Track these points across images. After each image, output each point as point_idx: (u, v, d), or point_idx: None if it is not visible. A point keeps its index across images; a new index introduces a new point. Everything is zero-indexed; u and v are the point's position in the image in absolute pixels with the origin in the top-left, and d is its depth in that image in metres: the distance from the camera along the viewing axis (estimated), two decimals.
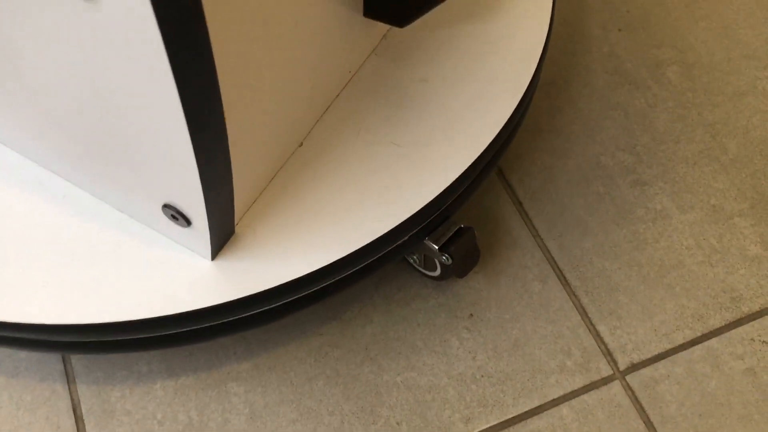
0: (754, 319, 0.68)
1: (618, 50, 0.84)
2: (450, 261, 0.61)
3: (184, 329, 0.55)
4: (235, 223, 0.55)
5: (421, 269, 0.68)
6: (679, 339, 0.67)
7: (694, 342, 0.67)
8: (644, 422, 0.63)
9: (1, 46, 0.43)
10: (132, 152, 0.46)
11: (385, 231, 0.56)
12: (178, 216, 0.49)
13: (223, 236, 0.53)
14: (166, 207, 0.49)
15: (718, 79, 0.82)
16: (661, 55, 0.84)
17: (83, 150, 0.51)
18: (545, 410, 0.64)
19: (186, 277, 0.53)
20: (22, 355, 0.64)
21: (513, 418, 0.63)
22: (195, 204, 0.47)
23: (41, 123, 0.51)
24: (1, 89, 0.48)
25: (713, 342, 0.67)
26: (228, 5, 0.40)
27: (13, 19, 0.40)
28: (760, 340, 0.67)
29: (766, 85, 0.82)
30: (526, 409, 0.64)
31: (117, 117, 0.44)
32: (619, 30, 0.85)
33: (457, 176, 0.58)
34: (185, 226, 0.50)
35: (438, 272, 0.66)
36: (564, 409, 0.64)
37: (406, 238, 0.59)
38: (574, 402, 0.64)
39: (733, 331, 0.68)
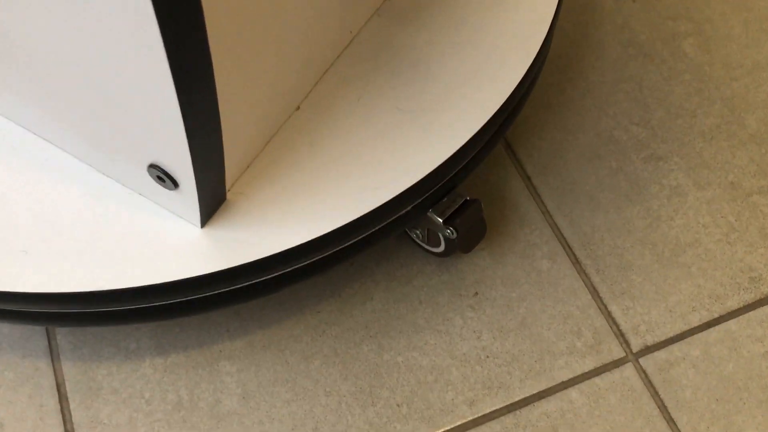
0: None
1: (632, 22, 0.80)
2: (455, 235, 0.58)
3: (172, 300, 0.51)
4: (227, 188, 0.52)
5: (424, 245, 0.64)
6: (695, 320, 0.64)
7: (710, 324, 0.64)
8: (658, 407, 0.60)
9: None
10: (116, 107, 0.43)
11: (386, 200, 0.53)
12: (164, 177, 0.46)
13: (213, 201, 0.50)
14: (152, 167, 0.46)
15: (736, 52, 0.79)
16: (677, 28, 0.80)
17: (66, 106, 0.47)
18: (554, 393, 0.61)
19: (174, 244, 0.50)
20: (5, 330, 0.61)
21: (519, 401, 0.60)
22: (182, 163, 0.44)
23: (23, 82, 0.48)
24: None
25: (731, 324, 0.64)
26: None
27: None
28: None
29: None
30: (534, 391, 0.61)
31: (100, 69, 0.41)
32: (633, 1, 0.82)
33: (463, 143, 0.55)
34: (172, 189, 0.47)
35: (442, 248, 0.63)
36: (573, 392, 0.61)
37: (408, 208, 0.55)
38: (584, 385, 0.61)
39: (752, 312, 0.64)
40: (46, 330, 0.61)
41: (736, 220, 0.69)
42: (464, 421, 0.59)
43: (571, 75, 0.77)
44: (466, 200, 0.59)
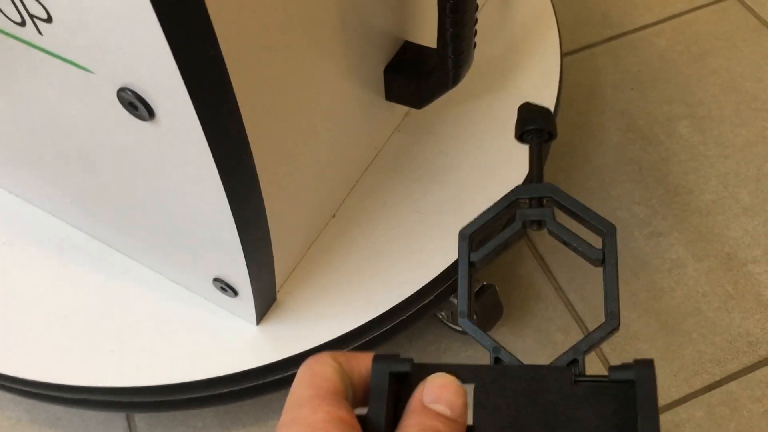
0: None
1: (630, 108, 0.89)
2: (474, 317, 0.67)
3: (234, 388, 0.61)
4: (277, 290, 0.61)
5: (449, 324, 0.73)
6: (698, 383, 0.71)
7: (712, 386, 0.70)
8: None
9: (71, 150, 0.51)
10: (186, 237, 0.53)
11: (412, 293, 0.62)
12: (226, 288, 0.56)
13: (266, 303, 0.60)
14: (216, 280, 0.56)
15: (728, 131, 0.87)
16: (672, 111, 0.89)
17: (145, 236, 0.58)
18: None
19: (234, 341, 0.60)
20: (91, 414, 0.71)
21: None
22: (241, 278, 0.54)
23: (112, 215, 0.59)
24: (77, 184, 0.56)
25: (732, 385, 0.70)
26: (266, 111, 0.47)
27: (84, 132, 0.47)
28: None
29: None
30: None
31: (174, 212, 0.51)
32: (631, 89, 0.91)
33: None
34: (233, 297, 0.57)
35: None
36: None
37: (431, 297, 0.64)
38: None
39: (751, 374, 0.71)
40: (126, 414, 0.71)
41: (733, 289, 0.76)
42: None
43: (576, 160, 0.85)
44: (482, 285, 0.67)
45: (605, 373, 0.29)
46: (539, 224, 0.38)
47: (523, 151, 0.70)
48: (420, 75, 0.59)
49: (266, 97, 0.46)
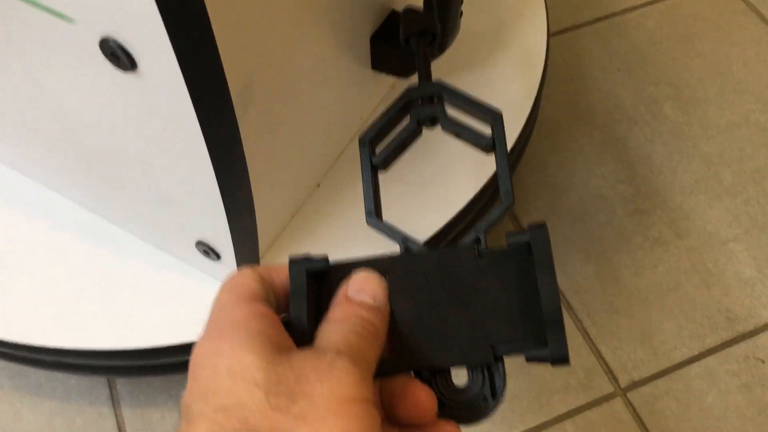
0: (748, 338, 0.72)
1: (617, 89, 0.90)
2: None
3: None
4: (260, 257, 0.61)
5: None
6: (678, 358, 0.72)
7: (691, 360, 0.71)
8: None
9: (53, 108, 0.51)
10: (169, 199, 0.54)
11: None
12: (209, 251, 0.56)
13: None
14: (199, 244, 0.56)
15: (713, 113, 0.87)
16: (658, 92, 0.89)
17: (129, 198, 0.58)
18: (550, 426, 0.68)
19: None
20: (73, 381, 0.71)
21: None
22: (224, 240, 0.54)
23: (94, 176, 0.59)
24: (60, 145, 0.56)
25: (710, 360, 0.71)
26: (252, 71, 0.47)
27: (64, 85, 0.47)
28: (754, 357, 0.71)
29: (758, 117, 0.87)
30: (533, 425, 0.68)
31: (157, 170, 0.51)
32: (618, 70, 0.91)
33: (458, 211, 0.64)
34: (216, 260, 0.57)
35: None
36: (568, 424, 0.68)
37: None
38: (577, 418, 0.69)
39: (729, 349, 0.72)
40: (108, 381, 0.71)
41: (713, 266, 0.77)
42: None
43: (563, 138, 0.86)
44: None
45: None
46: (432, 120, 0.40)
47: (507, 125, 0.70)
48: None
49: (251, 57, 0.46)
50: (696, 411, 0.69)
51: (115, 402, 0.70)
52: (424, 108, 0.40)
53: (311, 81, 0.56)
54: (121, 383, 0.71)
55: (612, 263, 0.77)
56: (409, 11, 0.44)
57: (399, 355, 0.31)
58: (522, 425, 0.68)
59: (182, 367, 0.63)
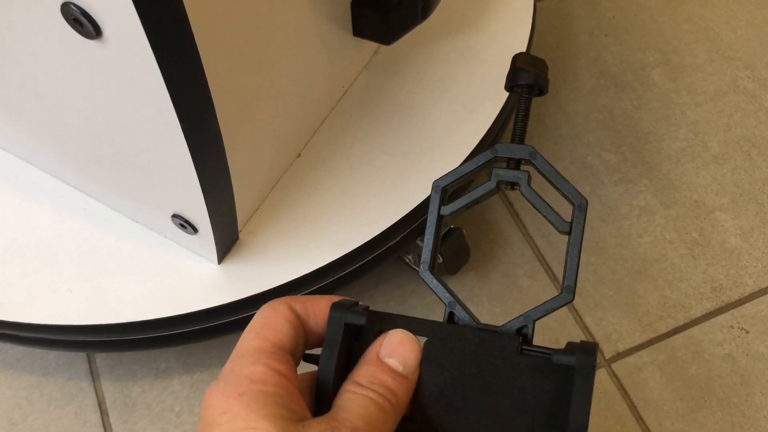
0: (733, 308, 0.72)
1: (604, 55, 0.88)
2: (441, 260, 0.66)
3: (195, 327, 0.60)
4: (239, 229, 0.60)
5: (416, 268, 0.72)
6: (662, 328, 0.71)
7: (676, 331, 0.71)
8: (628, 406, 0.68)
9: (23, 79, 0.49)
10: (142, 170, 0.52)
11: (377, 233, 0.61)
12: (186, 224, 0.55)
13: (227, 242, 0.59)
14: (175, 216, 0.55)
15: (701, 80, 0.86)
16: (646, 59, 0.88)
17: (102, 169, 0.56)
18: None
19: (195, 279, 0.59)
20: (51, 356, 0.70)
21: None
22: (199, 214, 0.52)
23: (65, 146, 0.57)
24: (29, 116, 0.54)
25: (694, 330, 0.71)
26: (221, 35, 0.45)
27: (32, 55, 0.45)
28: (738, 327, 0.71)
29: (746, 84, 0.85)
30: None
31: (128, 141, 0.49)
32: (605, 35, 0.90)
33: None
34: (193, 234, 0.56)
35: None
36: None
37: (397, 239, 0.63)
38: None
39: (714, 319, 0.72)
40: (87, 355, 0.70)
41: (699, 236, 0.76)
42: None
43: (548, 107, 0.85)
44: (450, 228, 0.67)
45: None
46: (513, 186, 0.37)
47: (493, 93, 0.69)
48: (388, 6, 0.57)
49: (223, 19, 0.44)
50: (680, 381, 0.68)
51: (94, 376, 0.69)
52: (508, 170, 0.37)
53: (288, 46, 0.54)
54: (101, 357, 0.70)
55: (597, 233, 0.76)
56: (521, 57, 0.41)
57: (416, 423, 0.31)
58: None
59: (162, 341, 0.63)
